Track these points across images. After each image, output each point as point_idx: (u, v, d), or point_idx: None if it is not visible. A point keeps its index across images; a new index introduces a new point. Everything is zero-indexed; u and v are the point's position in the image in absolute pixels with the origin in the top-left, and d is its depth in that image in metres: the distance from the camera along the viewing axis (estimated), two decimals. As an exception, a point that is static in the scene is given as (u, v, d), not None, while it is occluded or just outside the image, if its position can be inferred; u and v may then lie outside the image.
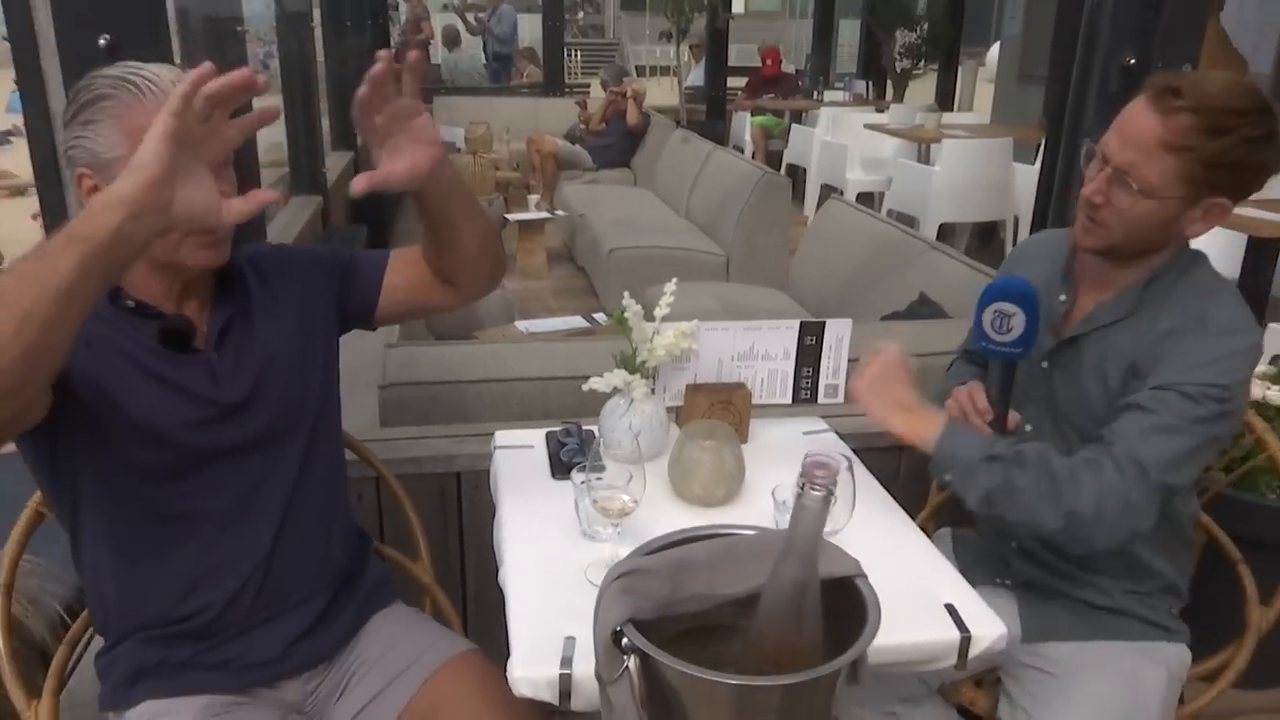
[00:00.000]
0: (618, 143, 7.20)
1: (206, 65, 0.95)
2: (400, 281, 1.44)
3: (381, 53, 1.13)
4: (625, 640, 0.82)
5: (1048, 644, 1.47)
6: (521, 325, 3.81)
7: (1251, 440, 1.74)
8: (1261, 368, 2.20)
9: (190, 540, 1.27)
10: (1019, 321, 1.34)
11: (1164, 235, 1.34)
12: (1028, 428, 1.46)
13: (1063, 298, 1.46)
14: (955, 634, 1.14)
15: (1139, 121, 1.29)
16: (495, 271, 1.45)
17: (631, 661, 0.83)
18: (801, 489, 0.81)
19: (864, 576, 0.90)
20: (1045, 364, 1.46)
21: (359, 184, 1.15)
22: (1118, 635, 1.46)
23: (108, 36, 1.54)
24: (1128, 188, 1.30)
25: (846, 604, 0.90)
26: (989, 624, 1.17)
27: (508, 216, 5.69)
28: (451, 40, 10.66)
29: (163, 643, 1.27)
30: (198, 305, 1.29)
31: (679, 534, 0.95)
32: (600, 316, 3.88)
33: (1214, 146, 1.25)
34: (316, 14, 5.26)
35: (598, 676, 0.84)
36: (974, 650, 1.14)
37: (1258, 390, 2.09)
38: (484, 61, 11.22)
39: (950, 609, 1.18)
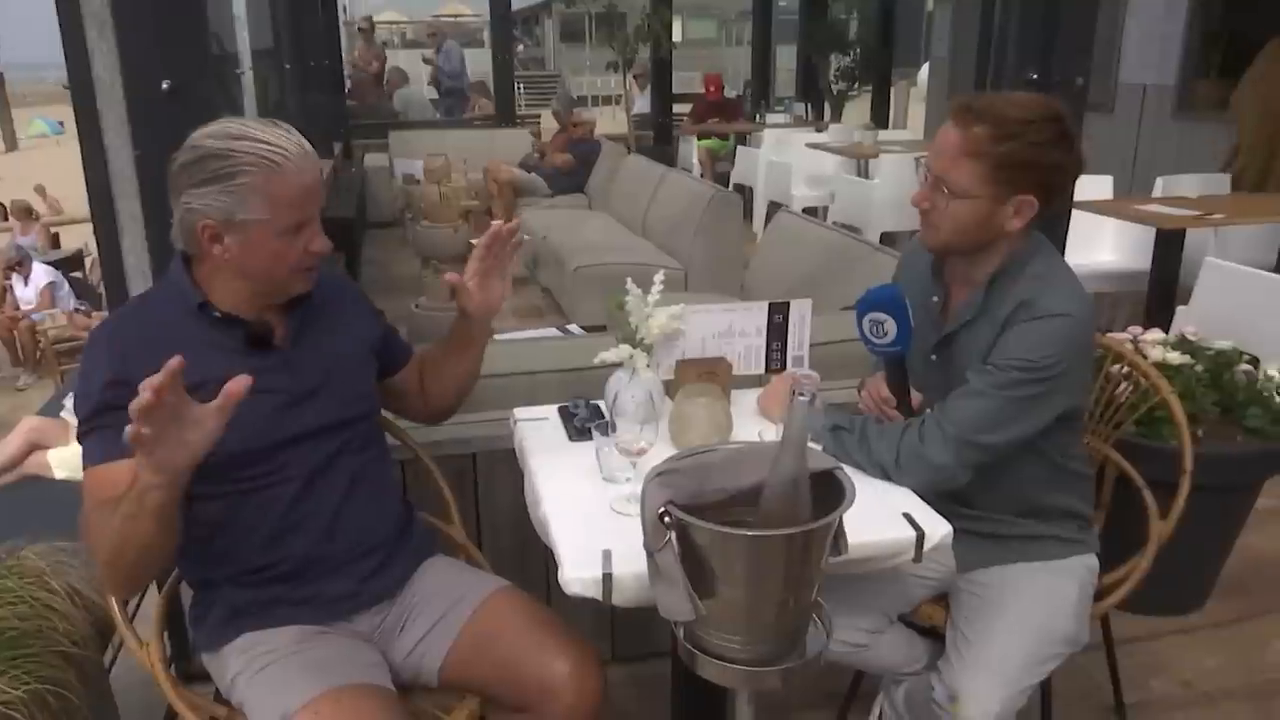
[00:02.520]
0: (573, 168, 7.49)
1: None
2: (406, 379, 1.78)
3: (497, 222, 1.61)
4: (668, 518, 1.09)
5: (978, 571, 1.74)
6: (500, 338, 4.06)
7: (1148, 387, 2.06)
8: (1162, 335, 2.55)
9: (274, 504, 1.51)
10: (891, 326, 1.59)
11: (987, 231, 1.57)
12: (928, 411, 1.65)
13: (935, 298, 1.72)
14: (912, 533, 1.43)
15: (946, 136, 1.55)
16: (456, 406, 1.83)
17: (671, 535, 1.10)
18: (792, 395, 1.09)
19: (841, 469, 1.18)
20: (934, 357, 1.72)
21: (451, 279, 1.66)
22: (1034, 557, 1.73)
23: (169, 82, 1.78)
24: (943, 192, 1.56)
25: (830, 495, 1.18)
26: (938, 526, 1.46)
27: (473, 242, 5.93)
28: (400, 81, 10.90)
29: (256, 585, 1.51)
30: (274, 311, 1.54)
31: (699, 449, 1.22)
32: (573, 328, 4.14)
33: (1003, 150, 1.50)
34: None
35: (646, 548, 1.11)
36: (927, 545, 1.42)
37: (1158, 353, 2.43)
38: (433, 96, 11.52)
39: (907, 515, 1.47)
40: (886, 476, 1.58)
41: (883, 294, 1.60)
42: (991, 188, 1.54)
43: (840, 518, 1.11)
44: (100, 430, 1.37)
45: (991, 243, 1.60)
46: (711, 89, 9.40)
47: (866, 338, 1.62)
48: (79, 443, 1.42)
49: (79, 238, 8.71)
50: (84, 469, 1.39)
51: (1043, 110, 1.53)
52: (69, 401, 2.43)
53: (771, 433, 1.67)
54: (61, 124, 18.62)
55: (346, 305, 1.67)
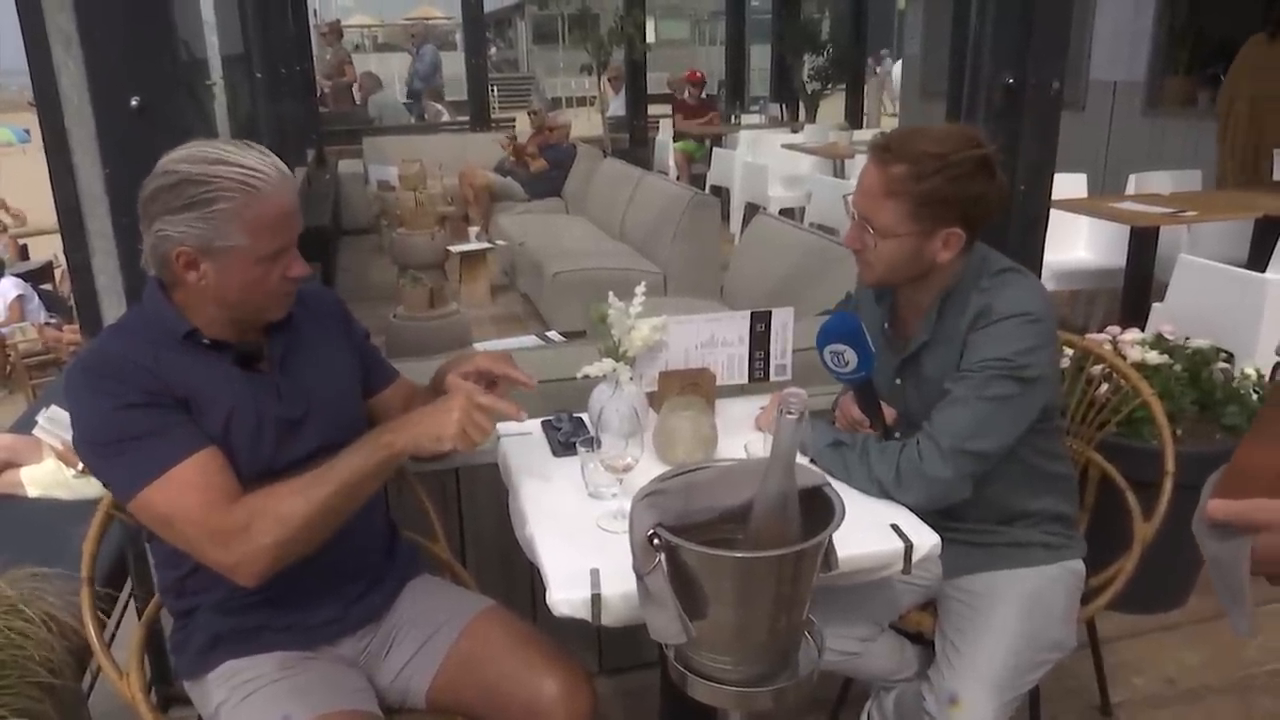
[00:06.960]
0: (549, 172, 7.46)
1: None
2: (388, 403, 1.70)
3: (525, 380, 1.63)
4: (657, 540, 1.07)
5: (965, 577, 1.74)
6: (479, 347, 4.04)
7: (1128, 389, 2.06)
8: (1140, 335, 2.56)
9: None
10: (851, 356, 1.59)
11: (920, 264, 1.58)
12: (896, 435, 1.68)
13: (886, 325, 1.74)
14: (900, 544, 1.42)
15: (866, 177, 1.57)
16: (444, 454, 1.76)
17: (661, 558, 1.09)
18: (780, 413, 1.08)
19: (830, 485, 1.17)
20: (898, 380, 1.74)
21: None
22: (1021, 563, 1.73)
23: (138, 98, 1.75)
24: (869, 232, 1.58)
25: (819, 511, 1.17)
26: (926, 536, 1.46)
27: (450, 249, 5.89)
28: (371, 88, 10.82)
29: (240, 612, 1.48)
30: (258, 334, 1.50)
31: (686, 467, 1.21)
32: (553, 335, 4.12)
33: (922, 188, 1.50)
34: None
35: (635, 571, 1.10)
36: (916, 555, 1.42)
37: (1137, 353, 2.44)
38: (405, 101, 11.45)
39: (895, 527, 1.46)
40: (887, 494, 1.57)
41: (838, 325, 1.60)
42: (915, 224, 1.54)
43: (830, 535, 1.10)
44: (157, 436, 1.33)
45: (929, 273, 1.61)
46: (692, 87, 9.35)
47: (830, 368, 1.63)
48: (110, 463, 1.36)
49: (48, 248, 8.57)
50: (157, 477, 1.32)
51: (960, 142, 1.53)
52: (42, 419, 2.38)
53: (759, 445, 1.66)
54: (28, 132, 18.33)
55: (331, 324, 1.62)
